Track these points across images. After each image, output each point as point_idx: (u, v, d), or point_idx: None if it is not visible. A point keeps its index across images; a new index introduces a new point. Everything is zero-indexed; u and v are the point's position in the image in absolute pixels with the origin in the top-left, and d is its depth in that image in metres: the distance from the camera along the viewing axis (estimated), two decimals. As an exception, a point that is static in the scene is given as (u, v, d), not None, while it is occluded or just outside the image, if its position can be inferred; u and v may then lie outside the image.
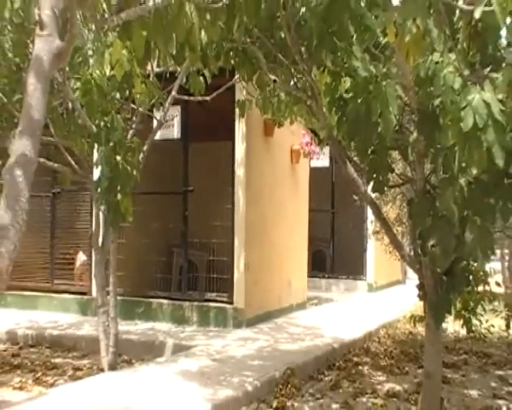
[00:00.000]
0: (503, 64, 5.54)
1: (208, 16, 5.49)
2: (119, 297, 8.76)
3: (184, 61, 6.88)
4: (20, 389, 7.98)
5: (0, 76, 7.95)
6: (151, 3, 4.89)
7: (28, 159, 3.13)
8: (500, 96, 5.12)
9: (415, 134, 6.61)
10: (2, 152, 7.93)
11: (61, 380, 8.30)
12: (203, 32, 5.65)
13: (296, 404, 7.29)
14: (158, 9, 4.95)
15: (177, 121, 11.30)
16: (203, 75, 7.67)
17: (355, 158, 7.33)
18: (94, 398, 6.91)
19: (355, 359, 9.46)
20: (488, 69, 5.55)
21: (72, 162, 8.60)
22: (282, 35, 6.56)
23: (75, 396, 7.01)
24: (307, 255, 13.55)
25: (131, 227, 8.88)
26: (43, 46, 3.38)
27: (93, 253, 9.06)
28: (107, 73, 7.51)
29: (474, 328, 9.70)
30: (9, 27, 7.52)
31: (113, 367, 8.26)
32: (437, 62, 5.65)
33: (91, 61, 7.61)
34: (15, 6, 6.43)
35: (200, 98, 8.45)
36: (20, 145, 3.14)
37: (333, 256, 16.49)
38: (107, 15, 5.72)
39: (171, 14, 4.99)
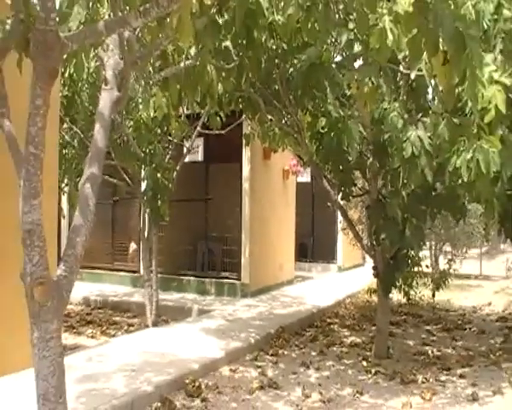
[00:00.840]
0: (430, 111, 5.66)
1: (223, 73, 5.56)
2: (159, 275, 8.80)
3: (206, 105, 6.97)
4: (92, 337, 8.10)
5: (80, 119, 8.05)
6: (182, 64, 4.93)
7: (95, 176, 3.18)
8: (429, 134, 5.25)
9: (371, 159, 6.69)
10: (80, 171, 8.09)
11: (119, 332, 8.35)
12: (220, 85, 5.71)
13: (286, 352, 7.33)
14: (187, 68, 5.01)
15: (200, 149, 11.39)
16: (219, 115, 7.72)
17: (328, 176, 7.40)
18: (142, 345, 7.00)
19: (328, 320, 9.48)
20: (420, 115, 5.66)
21: (127, 178, 8.66)
22: (276, 87, 6.64)
23: (129, 344, 7.14)
24: (294, 246, 13.56)
25: (168, 225, 8.91)
26: (107, 96, 3.44)
27: (141, 243, 9.10)
28: (152, 114, 7.60)
29: (411, 297, 9.93)
30: (86, 85, 7.66)
31: (155, 324, 8.31)
32: (385, 108, 5.75)
33: (140, 106, 7.67)
34: (90, 70, 6.53)
35: (217, 132, 8.48)
36: (90, 166, 3.19)
37: (313, 246, 16.48)
38: (151, 73, 5.78)
39: (197, 72, 5.05)
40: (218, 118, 7.90)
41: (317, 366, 6.70)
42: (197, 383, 5.76)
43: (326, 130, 6.36)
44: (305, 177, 14.78)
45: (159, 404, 5.24)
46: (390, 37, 3.45)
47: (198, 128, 8.89)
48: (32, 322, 2.83)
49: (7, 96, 2.98)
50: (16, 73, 3.09)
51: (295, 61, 6.16)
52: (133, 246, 12.52)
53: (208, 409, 5.30)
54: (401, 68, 5.74)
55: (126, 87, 3.52)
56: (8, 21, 3.59)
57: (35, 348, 2.85)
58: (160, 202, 8.10)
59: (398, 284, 8.34)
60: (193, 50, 5.19)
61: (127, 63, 3.55)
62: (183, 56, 5.23)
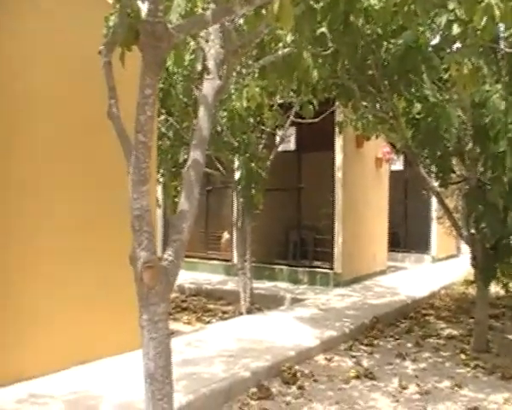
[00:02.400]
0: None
1: (319, 60, 5.53)
2: (252, 264, 8.89)
3: (301, 93, 6.94)
4: (188, 323, 8.33)
5: (175, 111, 8.25)
6: (280, 52, 4.94)
7: (199, 163, 3.25)
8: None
9: (470, 144, 6.45)
10: (176, 162, 8.31)
11: (213, 319, 8.52)
12: (315, 72, 5.67)
13: (381, 343, 7.23)
14: (284, 56, 5.01)
15: (293, 137, 11.37)
16: (312, 104, 7.67)
17: (424, 162, 7.20)
18: (237, 332, 7.11)
19: (423, 311, 9.26)
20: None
21: (220, 168, 8.80)
22: (371, 73, 6.51)
23: (225, 330, 7.26)
24: (387, 235, 13.32)
25: (261, 214, 8.97)
26: (209, 86, 3.50)
27: (234, 232, 9.22)
28: (245, 104, 7.65)
29: (510, 289, 9.41)
30: (180, 78, 7.83)
31: (249, 312, 8.42)
32: (487, 91, 5.51)
33: (233, 96, 7.76)
34: (185, 63, 6.65)
35: (309, 120, 8.44)
36: (194, 154, 3.26)
37: (405, 236, 16.11)
38: (248, 63, 5.82)
39: (294, 59, 5.04)
40: (311, 106, 7.86)
41: (413, 358, 6.57)
42: (293, 371, 5.80)
43: (422, 115, 6.21)
44: (398, 165, 14.48)
45: (255, 390, 5.30)
46: (497, 13, 3.31)
47: (291, 117, 8.88)
48: (141, 305, 2.94)
49: (115, 87, 3.10)
50: (119, 65, 3.22)
51: (391, 46, 6.03)
52: (226, 235, 12.71)
53: (305, 397, 5.31)
54: (503, 48, 5.50)
55: (228, 76, 3.56)
56: (112, 18, 3.75)
57: (143, 330, 2.96)
58: (253, 192, 8.18)
59: (497, 275, 7.99)
60: (289, 38, 5.18)
61: (228, 52, 3.59)
62: (280, 44, 5.26)
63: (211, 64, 3.60)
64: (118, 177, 5.76)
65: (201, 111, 3.42)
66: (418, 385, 5.62)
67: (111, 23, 3.74)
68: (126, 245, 5.51)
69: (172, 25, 2.89)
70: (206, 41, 3.83)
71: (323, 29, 5.34)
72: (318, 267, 11.36)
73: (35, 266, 5.18)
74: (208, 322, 8.27)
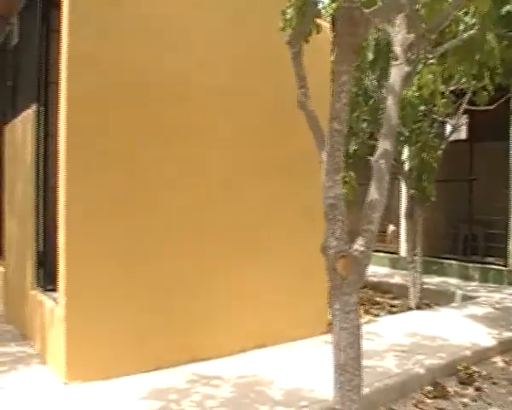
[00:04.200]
0: None
1: (505, 42, 5.18)
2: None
3: (481, 78, 6.55)
4: (357, 316, 8.20)
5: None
6: (465, 35, 4.69)
7: (388, 152, 3.18)
8: None
9: None
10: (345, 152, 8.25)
11: (381, 313, 8.37)
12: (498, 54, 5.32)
13: None
14: (466, 39, 4.75)
15: (465, 127, 10.83)
16: (487, 90, 7.20)
17: None
18: (408, 327, 6.92)
19: None
20: None
21: (390, 158, 8.60)
22: None
23: (395, 324, 7.10)
24: None
25: (430, 206, 8.64)
26: (396, 72, 3.40)
27: (402, 224, 9.00)
28: (416, 92, 7.42)
29: None
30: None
31: (418, 307, 8.18)
32: None
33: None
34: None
35: (483, 108, 7.95)
36: (383, 144, 3.18)
37: None
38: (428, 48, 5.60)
39: (477, 42, 4.76)
40: (486, 92, 7.40)
41: None
42: (469, 371, 5.53)
43: None
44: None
45: (430, 388, 5.12)
46: None
47: (464, 105, 8.44)
48: (333, 294, 2.93)
49: (305, 76, 3.11)
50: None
51: None
52: (391, 228, 12.45)
53: (483, 400, 5.02)
54: None
55: (416, 62, 3.44)
56: (289, 11, 3.77)
57: (335, 320, 2.95)
58: (425, 183, 7.90)
59: None
60: (469, 19, 4.91)
61: (416, 37, 3.47)
62: (461, 27, 4.99)
63: (398, 50, 3.49)
64: (307, 166, 6.04)
65: (389, 100, 3.34)
66: None
67: (288, 16, 3.77)
68: (308, 234, 5.71)
69: (374, 8, 2.82)
70: (392, 26, 3.72)
71: (508, 7, 5.01)
72: (491, 264, 10.72)
73: (229, 252, 5.45)
74: (376, 315, 8.13)
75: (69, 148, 4.49)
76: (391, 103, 3.27)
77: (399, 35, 3.55)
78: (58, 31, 5.01)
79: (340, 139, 2.79)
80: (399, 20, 3.59)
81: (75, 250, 4.51)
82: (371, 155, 8.04)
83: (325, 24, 5.38)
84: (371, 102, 8.22)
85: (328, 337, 6.12)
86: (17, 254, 6.33)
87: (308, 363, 5.33)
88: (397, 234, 11.74)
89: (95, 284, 4.58)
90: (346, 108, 2.79)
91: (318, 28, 3.50)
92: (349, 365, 2.95)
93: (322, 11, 7.19)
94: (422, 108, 8.08)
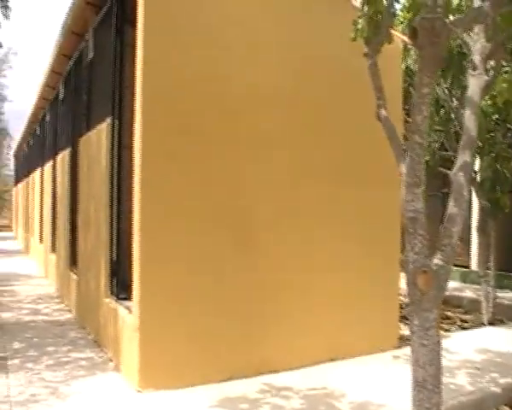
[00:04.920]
0: None
1: None
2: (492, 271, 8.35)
3: None
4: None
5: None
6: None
7: (467, 164, 3.10)
8: None
9: None
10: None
11: (452, 327, 8.13)
12: None
13: None
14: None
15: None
16: None
17: None
18: (481, 343, 6.72)
19: None
20: None
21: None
22: None
23: (466, 340, 6.92)
24: None
25: (502, 218, 8.35)
26: (475, 83, 3.32)
27: (474, 236, 8.74)
28: (489, 101, 7.24)
29: None
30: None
31: (491, 323, 7.92)
32: None
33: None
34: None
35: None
36: (462, 156, 3.11)
37: None
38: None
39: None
40: None
41: None
42: (548, 393, 5.29)
43: None
44: None
45: (507, 408, 4.95)
46: None
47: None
48: (413, 310, 2.88)
49: (383, 88, 3.08)
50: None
51: None
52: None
53: None
54: None
55: (496, 71, 3.35)
56: (360, 21, 3.75)
57: (414, 336, 2.90)
58: (499, 194, 7.67)
59: None
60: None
61: (495, 46, 3.38)
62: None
63: (476, 59, 3.40)
64: (382, 177, 5.99)
65: (468, 111, 3.26)
66: None
67: (359, 26, 3.75)
68: (379, 247, 5.66)
69: (455, 18, 2.77)
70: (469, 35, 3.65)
71: None
72: None
73: (303, 264, 5.46)
74: (447, 330, 7.91)
75: (144, 158, 4.59)
76: (469, 114, 3.20)
77: (478, 44, 3.47)
78: (132, 45, 5.16)
79: (421, 152, 2.74)
80: (477, 28, 3.51)
81: (149, 260, 4.60)
82: (442, 166, 7.91)
83: (396, 34, 5.32)
84: (442, 111, 8.06)
85: (399, 352, 6.06)
86: (90, 262, 6.52)
87: (378, 378, 5.24)
88: (467, 247, 11.39)
89: (168, 294, 4.66)
90: (427, 121, 2.74)
91: (390, 38, 3.47)
92: (428, 382, 2.89)
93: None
94: (496, 117, 7.87)
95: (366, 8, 3.64)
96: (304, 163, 5.52)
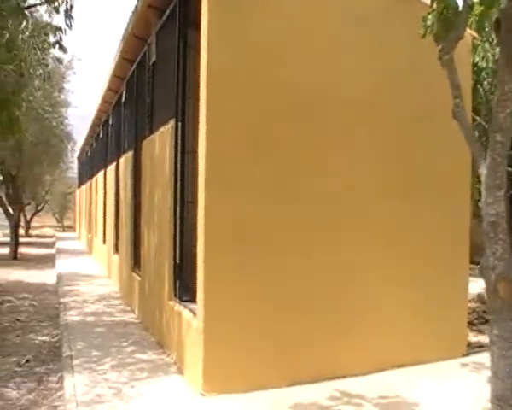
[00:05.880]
0: None
1: None
2: None
3: None
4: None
5: (482, 110, 7.83)
6: None
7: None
8: None
9: None
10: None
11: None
12: None
13: None
14: None
15: None
16: None
17: None
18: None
19: None
20: None
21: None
22: None
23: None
24: None
25: None
26: None
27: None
28: None
29: None
30: (488, 73, 7.40)
31: None
32: None
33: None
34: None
35: None
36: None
37: None
38: None
39: None
40: None
41: None
42: None
43: None
44: None
45: None
46: None
47: None
48: (493, 319, 2.73)
49: (460, 85, 2.93)
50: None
51: None
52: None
53: None
54: None
55: None
56: (429, 17, 3.59)
57: (493, 346, 2.75)
58: None
59: None
60: None
61: None
62: None
63: None
64: (452, 185, 5.82)
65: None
66: None
67: (429, 22, 3.60)
68: (447, 255, 5.48)
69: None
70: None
71: None
72: None
73: (372, 273, 5.34)
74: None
75: (208, 162, 4.55)
76: None
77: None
78: (196, 48, 5.15)
79: (503, 152, 2.59)
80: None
81: (213, 264, 4.56)
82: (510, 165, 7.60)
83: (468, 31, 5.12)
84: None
85: (467, 360, 5.83)
86: (154, 264, 6.56)
87: (449, 387, 5.03)
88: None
89: (232, 297, 4.61)
90: (510, 119, 2.58)
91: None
92: (508, 395, 2.72)
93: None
94: None
95: (435, 4, 3.49)
96: (378, 177, 5.40)
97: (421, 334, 5.59)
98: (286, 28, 4.90)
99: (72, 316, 7.75)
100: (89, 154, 19.32)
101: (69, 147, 19.70)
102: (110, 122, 12.63)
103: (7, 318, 8.33)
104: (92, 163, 17.84)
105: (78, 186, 26.04)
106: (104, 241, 12.97)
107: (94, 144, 17.38)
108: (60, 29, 7.80)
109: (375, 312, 5.34)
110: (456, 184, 5.86)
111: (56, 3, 6.74)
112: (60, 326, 7.25)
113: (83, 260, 15.67)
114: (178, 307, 5.44)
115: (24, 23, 7.08)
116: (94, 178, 16.41)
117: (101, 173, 14.13)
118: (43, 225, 36.28)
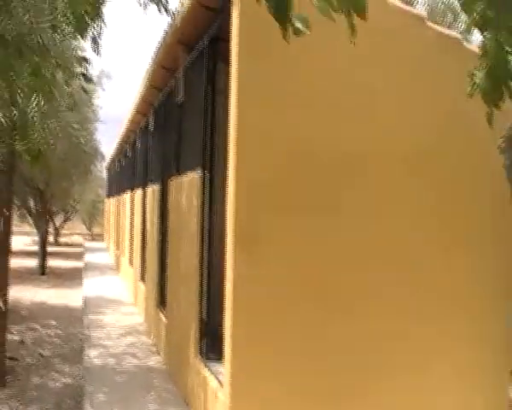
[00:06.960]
0: None
1: None
2: None
3: None
4: None
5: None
6: None
7: None
8: None
9: None
10: None
11: None
12: None
13: None
14: None
15: None
16: None
17: None
18: None
19: None
20: None
21: None
22: None
23: None
24: None
25: None
26: None
27: None
28: None
29: None
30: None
31: None
32: None
33: None
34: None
35: None
36: None
37: None
38: None
39: None
40: None
41: None
42: None
43: None
44: None
45: None
46: None
47: None
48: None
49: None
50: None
51: None
52: None
53: None
54: None
55: None
56: (478, 74, 3.27)
57: None
58: None
59: None
60: None
61: None
62: None
63: None
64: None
65: None
66: None
67: (477, 80, 3.27)
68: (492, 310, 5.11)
69: None
70: None
71: None
72: None
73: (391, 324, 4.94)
74: None
75: (237, 218, 4.24)
76: None
77: None
78: (224, 93, 4.85)
79: None
80: None
81: (242, 332, 4.24)
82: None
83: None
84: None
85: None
86: (180, 309, 6.30)
87: None
88: None
89: (261, 373, 4.29)
90: None
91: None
92: None
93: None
94: None
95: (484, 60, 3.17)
96: (433, 231, 5.07)
97: (461, 391, 5.19)
98: (324, 81, 4.58)
99: (94, 357, 7.54)
100: (117, 168, 19.26)
101: (97, 160, 19.65)
102: (138, 145, 12.49)
103: (30, 352, 8.19)
104: (120, 178, 17.77)
105: (107, 196, 26.09)
106: (131, 263, 12.83)
107: (122, 161, 17.28)
108: (85, 59, 7.60)
109: (411, 364, 4.94)
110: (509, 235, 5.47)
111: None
112: (81, 370, 7.06)
113: (110, 280, 15.52)
114: (204, 370, 5.14)
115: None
116: (122, 196, 16.31)
117: (128, 194, 13.99)
118: (73, 232, 36.54)
